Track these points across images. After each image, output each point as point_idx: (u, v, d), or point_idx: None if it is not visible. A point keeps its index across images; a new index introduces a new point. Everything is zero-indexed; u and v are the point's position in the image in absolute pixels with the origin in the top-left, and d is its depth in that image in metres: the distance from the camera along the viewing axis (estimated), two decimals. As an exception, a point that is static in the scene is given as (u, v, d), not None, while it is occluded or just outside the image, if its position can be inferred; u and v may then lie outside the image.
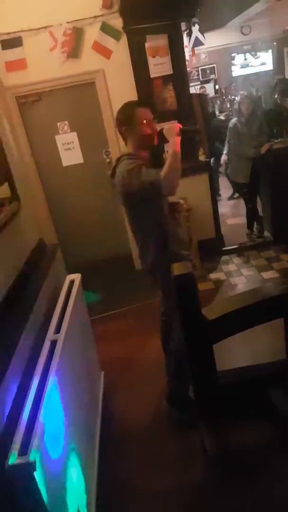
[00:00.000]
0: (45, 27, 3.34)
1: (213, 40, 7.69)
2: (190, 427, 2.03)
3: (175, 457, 1.97)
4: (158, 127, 1.97)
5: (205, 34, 4.10)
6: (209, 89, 8.55)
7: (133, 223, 2.08)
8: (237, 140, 3.93)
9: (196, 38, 3.87)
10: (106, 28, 3.41)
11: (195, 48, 4.16)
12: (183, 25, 3.67)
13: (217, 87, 9.02)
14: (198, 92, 7.14)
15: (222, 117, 6.29)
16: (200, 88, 8.00)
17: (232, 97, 8.03)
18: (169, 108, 3.61)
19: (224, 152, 4.27)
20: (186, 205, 3.44)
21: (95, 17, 3.36)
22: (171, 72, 3.52)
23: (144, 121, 1.93)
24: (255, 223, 4.25)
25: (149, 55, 3.45)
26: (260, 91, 7.43)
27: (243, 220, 4.29)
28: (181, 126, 1.91)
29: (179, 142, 1.86)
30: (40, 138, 3.73)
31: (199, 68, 9.03)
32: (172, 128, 1.89)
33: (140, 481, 1.88)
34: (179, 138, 1.87)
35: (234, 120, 4.04)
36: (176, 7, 3.37)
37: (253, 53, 9.03)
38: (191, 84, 6.32)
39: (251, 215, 4.23)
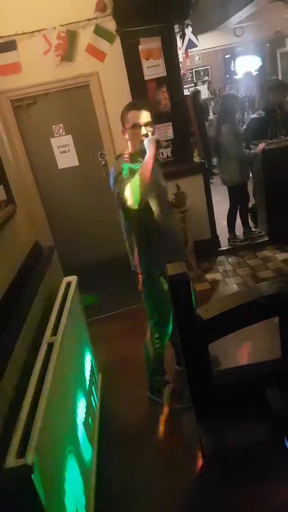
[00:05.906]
0: (39, 31, 3.35)
1: (207, 42, 7.74)
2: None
3: (172, 457, 1.98)
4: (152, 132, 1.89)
5: (199, 36, 4.12)
6: (203, 90, 8.58)
7: None
8: (233, 141, 3.94)
9: (190, 40, 3.89)
10: (99, 31, 3.42)
11: (189, 50, 4.18)
12: (176, 27, 3.68)
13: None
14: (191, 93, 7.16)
15: None
16: (194, 91, 8.03)
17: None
18: (163, 110, 3.62)
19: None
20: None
21: (88, 20, 3.38)
22: (164, 74, 3.53)
23: (133, 125, 1.86)
24: (249, 220, 4.29)
25: (143, 57, 3.47)
26: (254, 92, 7.48)
27: (237, 220, 4.31)
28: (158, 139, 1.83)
29: (153, 156, 1.75)
30: (35, 141, 3.74)
31: (193, 70, 9.08)
32: (149, 141, 1.79)
33: (138, 482, 1.89)
34: (155, 151, 1.77)
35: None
36: (169, 10, 3.39)
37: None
38: (185, 86, 6.35)
39: (248, 214, 4.27)
